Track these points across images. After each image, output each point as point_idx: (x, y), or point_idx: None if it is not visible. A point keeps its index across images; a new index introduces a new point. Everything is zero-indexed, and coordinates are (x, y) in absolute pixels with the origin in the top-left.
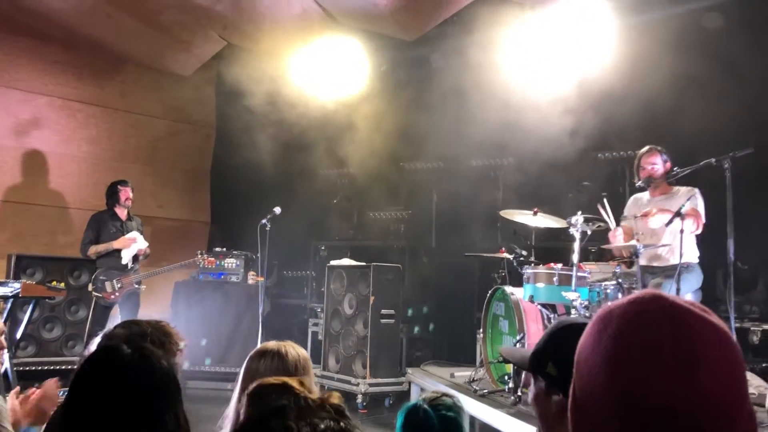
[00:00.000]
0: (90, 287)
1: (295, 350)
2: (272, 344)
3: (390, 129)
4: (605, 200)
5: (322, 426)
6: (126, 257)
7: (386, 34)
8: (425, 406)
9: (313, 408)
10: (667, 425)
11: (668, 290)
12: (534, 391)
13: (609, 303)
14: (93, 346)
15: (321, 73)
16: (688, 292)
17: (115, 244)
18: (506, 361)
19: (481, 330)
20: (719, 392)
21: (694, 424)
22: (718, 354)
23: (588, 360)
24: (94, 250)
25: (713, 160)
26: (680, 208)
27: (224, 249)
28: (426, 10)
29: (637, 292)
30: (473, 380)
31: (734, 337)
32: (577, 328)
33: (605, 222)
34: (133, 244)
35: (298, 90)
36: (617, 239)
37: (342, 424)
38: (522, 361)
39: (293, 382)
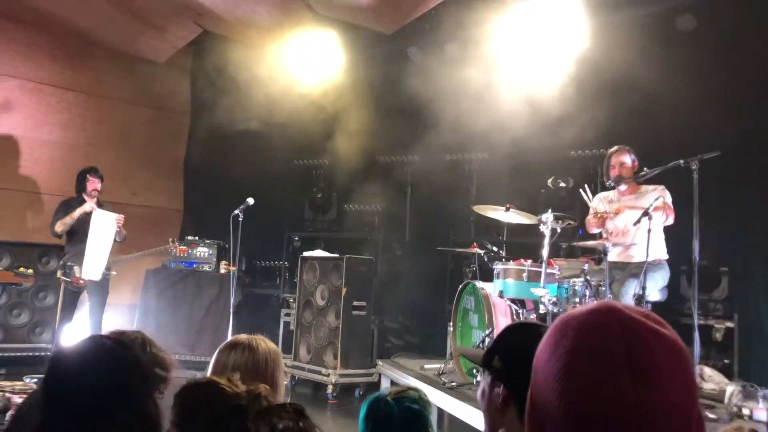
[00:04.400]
0: (58, 273)
1: (265, 344)
2: (243, 337)
3: (366, 122)
4: (586, 186)
5: (281, 426)
6: (98, 234)
7: (364, 27)
8: (388, 398)
9: (273, 407)
10: None
11: (632, 289)
12: (481, 387)
13: (567, 311)
14: (62, 334)
15: (298, 64)
16: (654, 290)
17: (80, 210)
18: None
19: (451, 323)
20: (671, 401)
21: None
22: (670, 364)
23: (545, 368)
24: (60, 223)
25: (681, 161)
26: (648, 208)
27: (196, 237)
28: (405, 2)
29: (593, 303)
30: (442, 373)
31: (697, 335)
32: (526, 327)
33: (574, 220)
34: (97, 211)
35: (275, 80)
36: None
37: (301, 424)
38: (477, 359)
39: (221, 379)
